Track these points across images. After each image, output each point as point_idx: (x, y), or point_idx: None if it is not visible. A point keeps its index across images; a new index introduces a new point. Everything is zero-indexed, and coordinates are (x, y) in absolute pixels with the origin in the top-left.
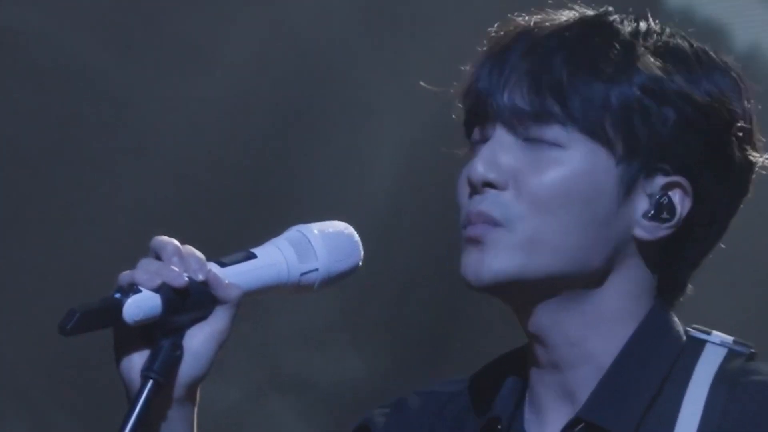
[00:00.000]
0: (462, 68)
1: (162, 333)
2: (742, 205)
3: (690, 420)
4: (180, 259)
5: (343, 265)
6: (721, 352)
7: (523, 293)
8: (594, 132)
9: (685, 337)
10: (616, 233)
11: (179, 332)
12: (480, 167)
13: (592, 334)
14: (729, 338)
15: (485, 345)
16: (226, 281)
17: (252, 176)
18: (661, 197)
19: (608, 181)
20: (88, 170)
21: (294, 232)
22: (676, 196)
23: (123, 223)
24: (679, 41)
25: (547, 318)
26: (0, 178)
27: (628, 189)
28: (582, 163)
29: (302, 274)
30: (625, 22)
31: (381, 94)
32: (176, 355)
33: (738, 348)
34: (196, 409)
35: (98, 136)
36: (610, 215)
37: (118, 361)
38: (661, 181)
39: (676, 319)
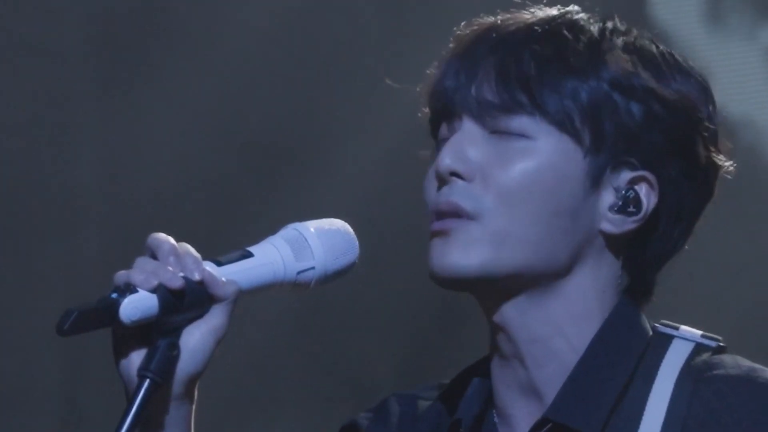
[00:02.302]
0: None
1: (159, 332)
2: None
3: (656, 415)
4: (176, 258)
5: (339, 263)
6: (688, 347)
7: (490, 288)
8: (562, 123)
9: (651, 333)
10: (582, 226)
11: (176, 332)
12: (447, 159)
13: (558, 333)
14: (697, 332)
15: (473, 343)
16: (223, 279)
17: (246, 177)
18: (627, 191)
19: (575, 172)
20: (84, 170)
21: (290, 230)
22: (642, 189)
23: (121, 222)
24: (646, 42)
25: (513, 313)
26: None
27: (594, 181)
28: (549, 154)
29: (299, 272)
30: (592, 20)
31: (371, 93)
32: (173, 354)
33: (705, 342)
34: (194, 406)
35: (95, 134)
36: (577, 207)
37: (117, 360)
38: (627, 175)
39: (642, 315)
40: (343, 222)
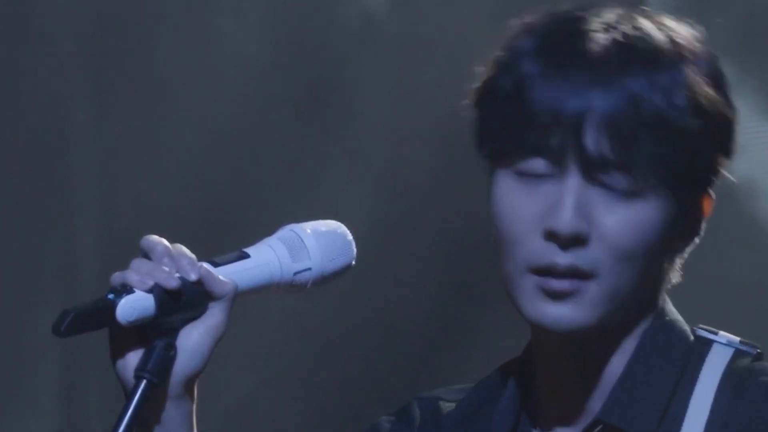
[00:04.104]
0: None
1: (156, 333)
2: None
3: (696, 421)
4: (170, 259)
5: (336, 264)
6: (728, 353)
7: (590, 338)
8: (667, 181)
9: (692, 337)
10: (664, 264)
11: (173, 332)
12: (575, 221)
13: (617, 351)
14: (735, 338)
15: (479, 349)
16: (220, 276)
17: (244, 179)
18: (697, 213)
19: (672, 223)
20: (79, 171)
21: (287, 231)
22: (704, 212)
23: (119, 222)
24: (713, 57)
25: (593, 353)
26: None
27: (684, 224)
28: (658, 212)
29: (295, 273)
30: (664, 32)
31: (368, 95)
32: (170, 355)
33: (745, 348)
34: (194, 405)
35: (90, 136)
36: (669, 251)
37: (114, 361)
38: (701, 198)
39: (680, 317)
40: (339, 223)
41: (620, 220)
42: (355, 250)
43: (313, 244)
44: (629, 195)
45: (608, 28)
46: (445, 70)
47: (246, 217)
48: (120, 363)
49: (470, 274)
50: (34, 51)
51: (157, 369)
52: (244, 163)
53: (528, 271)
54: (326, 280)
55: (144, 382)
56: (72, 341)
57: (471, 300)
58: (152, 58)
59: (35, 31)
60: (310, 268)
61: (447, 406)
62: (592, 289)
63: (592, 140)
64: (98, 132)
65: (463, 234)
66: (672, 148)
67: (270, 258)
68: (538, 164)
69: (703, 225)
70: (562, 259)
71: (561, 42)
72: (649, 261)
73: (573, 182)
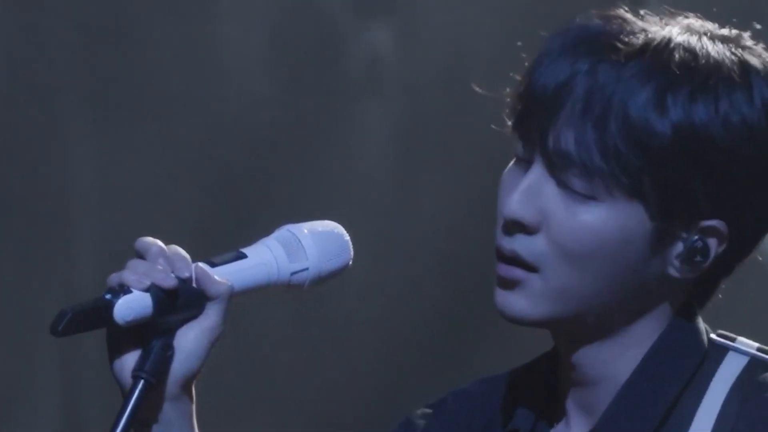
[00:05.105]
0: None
1: (153, 333)
2: None
3: (702, 430)
4: (165, 259)
5: (333, 264)
6: (742, 361)
7: (558, 331)
8: (634, 192)
9: (707, 345)
10: (647, 276)
11: (170, 332)
12: (518, 207)
13: (620, 357)
14: (753, 345)
15: (487, 350)
16: (215, 276)
17: (242, 179)
18: (695, 241)
19: (642, 234)
20: (77, 169)
21: (284, 231)
22: (712, 241)
23: (117, 222)
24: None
25: (584, 352)
26: None
27: (663, 240)
28: (617, 219)
29: (292, 273)
30: (686, 57)
31: (368, 96)
32: (167, 355)
33: (760, 356)
34: (194, 405)
35: (92, 135)
36: (642, 262)
37: (111, 361)
38: (697, 225)
39: (700, 326)
40: (336, 224)
41: (570, 219)
42: (352, 250)
43: (310, 244)
44: (587, 198)
45: (636, 31)
46: (450, 109)
47: (246, 217)
48: (117, 363)
49: (477, 274)
50: (34, 56)
51: (155, 369)
52: (245, 162)
53: (496, 254)
54: (324, 281)
55: (141, 382)
56: (72, 341)
57: (476, 300)
58: (152, 67)
59: (34, 40)
60: (307, 269)
61: (478, 398)
62: (536, 283)
63: (555, 135)
64: (97, 135)
65: (468, 239)
66: (637, 159)
67: (267, 258)
68: (520, 149)
69: (710, 258)
70: (507, 243)
71: (575, 33)
72: (606, 269)
73: (535, 171)
